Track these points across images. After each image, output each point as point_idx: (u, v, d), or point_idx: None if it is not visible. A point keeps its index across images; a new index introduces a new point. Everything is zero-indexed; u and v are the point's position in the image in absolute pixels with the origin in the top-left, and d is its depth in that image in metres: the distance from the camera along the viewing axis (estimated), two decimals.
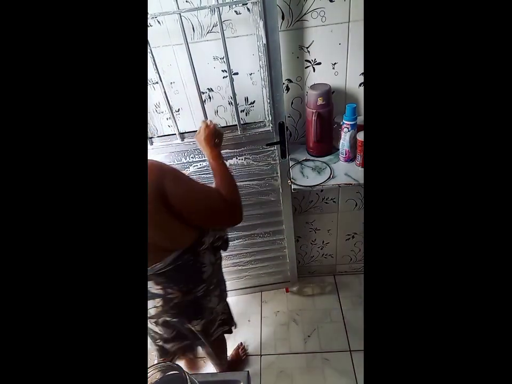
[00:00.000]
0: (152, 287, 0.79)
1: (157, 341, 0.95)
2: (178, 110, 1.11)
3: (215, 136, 0.89)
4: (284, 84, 1.02)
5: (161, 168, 0.70)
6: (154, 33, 0.94)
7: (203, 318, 0.90)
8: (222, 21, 0.90)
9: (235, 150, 1.13)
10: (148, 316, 0.84)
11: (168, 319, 0.86)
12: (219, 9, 0.87)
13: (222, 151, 1.12)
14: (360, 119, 1.01)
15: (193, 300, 0.85)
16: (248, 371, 0.79)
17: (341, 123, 1.00)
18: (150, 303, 0.82)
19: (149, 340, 0.95)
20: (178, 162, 1.15)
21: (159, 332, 0.91)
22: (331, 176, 1.03)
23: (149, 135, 1.10)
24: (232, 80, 1.00)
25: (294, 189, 1.04)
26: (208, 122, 0.89)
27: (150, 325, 0.89)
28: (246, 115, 1.13)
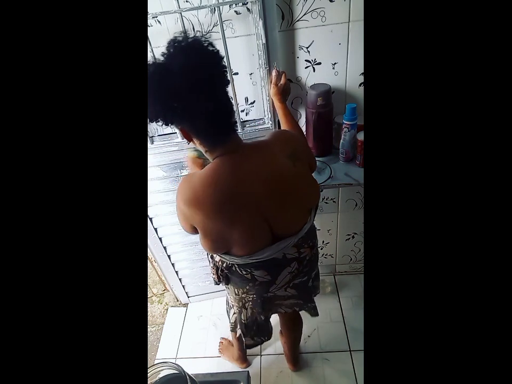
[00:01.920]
0: (288, 253, 0.83)
1: (277, 303, 1.01)
2: None
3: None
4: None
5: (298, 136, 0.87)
6: (155, 33, 0.94)
7: (316, 267, 1.01)
8: (222, 20, 0.90)
9: None
10: (282, 284, 0.89)
11: (298, 280, 0.92)
12: (219, 9, 0.87)
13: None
14: (360, 119, 1.01)
15: (315, 253, 0.94)
16: (248, 371, 0.79)
17: (341, 123, 1.00)
18: (286, 270, 0.86)
19: (266, 308, 1.02)
20: (179, 161, 1.15)
21: (284, 295, 0.96)
22: (331, 176, 1.03)
23: (150, 134, 1.10)
24: (232, 80, 1.00)
25: None
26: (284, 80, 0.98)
27: (281, 291, 0.94)
28: (246, 115, 1.13)
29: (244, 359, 1.42)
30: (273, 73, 0.97)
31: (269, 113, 1.05)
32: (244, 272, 0.84)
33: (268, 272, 0.84)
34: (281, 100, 0.97)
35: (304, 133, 1.15)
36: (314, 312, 1.12)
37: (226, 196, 0.69)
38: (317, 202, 0.87)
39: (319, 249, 1.59)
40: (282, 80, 0.97)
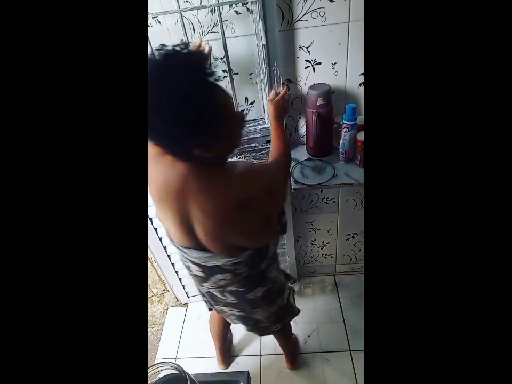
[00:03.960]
0: (222, 263, 0.81)
1: (219, 304, 1.02)
2: None
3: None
4: (283, 84, 1.02)
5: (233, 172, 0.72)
6: (155, 33, 0.94)
7: (265, 285, 0.95)
8: (222, 20, 0.90)
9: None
10: (215, 286, 0.88)
11: (234, 288, 0.90)
12: (219, 9, 0.87)
13: None
14: (360, 119, 1.01)
15: (258, 272, 0.89)
16: (248, 371, 0.79)
17: (341, 123, 1.00)
18: (220, 276, 0.84)
19: (211, 301, 1.04)
20: None
21: (223, 298, 0.96)
22: (335, 174, 1.03)
23: None
24: (232, 80, 1.00)
25: (294, 189, 1.04)
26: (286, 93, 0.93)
27: (216, 292, 0.93)
28: (246, 115, 1.13)
29: (221, 360, 1.43)
30: (272, 91, 0.91)
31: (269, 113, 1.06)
32: (183, 258, 0.85)
33: (201, 269, 0.84)
34: (275, 116, 0.90)
35: (304, 134, 1.15)
36: (258, 332, 1.12)
37: (163, 193, 0.70)
38: (253, 247, 0.81)
39: (319, 249, 1.60)
40: (281, 93, 0.90)
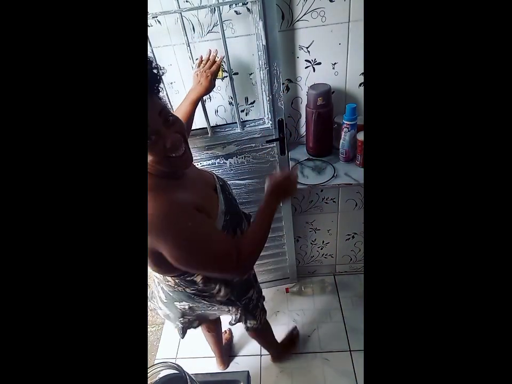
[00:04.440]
0: None
1: (153, 298, 1.02)
2: None
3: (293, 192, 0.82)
4: (283, 84, 1.02)
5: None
6: (154, 33, 0.94)
7: (194, 304, 0.92)
8: (222, 20, 0.90)
9: (235, 149, 1.14)
10: (154, 275, 0.87)
11: (166, 288, 0.90)
12: (219, 9, 0.87)
13: (222, 151, 1.13)
14: (360, 119, 1.01)
15: (184, 291, 0.86)
16: (248, 371, 0.79)
17: (341, 123, 1.00)
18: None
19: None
20: None
21: (156, 291, 0.96)
22: (335, 174, 1.03)
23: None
24: (232, 80, 1.00)
25: None
26: (296, 174, 0.82)
27: (155, 279, 0.92)
28: (246, 115, 1.13)
29: (221, 361, 1.43)
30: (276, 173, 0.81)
31: (269, 113, 1.06)
32: None
33: None
34: (271, 194, 0.78)
35: (304, 134, 1.15)
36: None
37: None
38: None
39: (319, 249, 1.60)
40: (285, 174, 0.79)
